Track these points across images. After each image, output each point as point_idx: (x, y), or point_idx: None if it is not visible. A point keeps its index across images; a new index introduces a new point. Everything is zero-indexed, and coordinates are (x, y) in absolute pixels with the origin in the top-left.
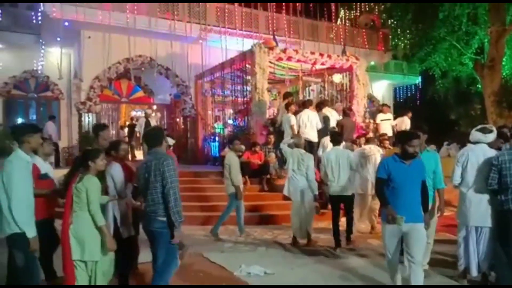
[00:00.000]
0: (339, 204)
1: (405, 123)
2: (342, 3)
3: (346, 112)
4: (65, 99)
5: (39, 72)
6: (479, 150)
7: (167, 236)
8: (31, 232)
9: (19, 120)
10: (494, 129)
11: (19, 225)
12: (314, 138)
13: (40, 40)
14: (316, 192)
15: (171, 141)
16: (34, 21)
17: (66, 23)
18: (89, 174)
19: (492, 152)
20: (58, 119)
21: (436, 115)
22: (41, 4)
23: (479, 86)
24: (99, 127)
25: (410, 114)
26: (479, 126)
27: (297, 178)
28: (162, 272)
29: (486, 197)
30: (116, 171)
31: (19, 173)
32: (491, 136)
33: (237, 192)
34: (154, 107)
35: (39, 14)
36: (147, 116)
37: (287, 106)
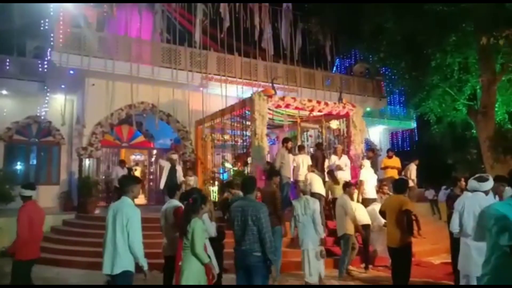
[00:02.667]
0: None
1: (411, 170)
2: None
3: (318, 146)
4: (66, 144)
5: (42, 118)
6: (475, 199)
7: (263, 268)
8: (146, 265)
9: (19, 165)
10: (490, 177)
11: (141, 260)
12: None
13: (45, 87)
14: (323, 236)
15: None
16: (40, 69)
17: (71, 71)
18: (196, 217)
19: (487, 201)
20: (58, 163)
21: (433, 159)
22: (48, 53)
23: (474, 131)
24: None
25: (417, 162)
26: (476, 175)
27: (305, 225)
28: None
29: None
30: (207, 216)
31: (138, 218)
32: (487, 185)
33: None
34: (154, 151)
35: (45, 62)
36: (172, 162)
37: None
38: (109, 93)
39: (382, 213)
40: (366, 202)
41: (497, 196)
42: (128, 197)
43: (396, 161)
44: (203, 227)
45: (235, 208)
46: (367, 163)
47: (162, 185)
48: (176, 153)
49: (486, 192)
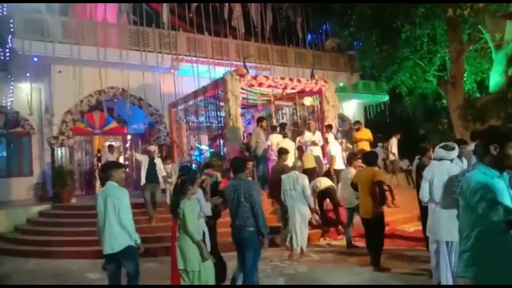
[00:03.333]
0: None
1: (392, 144)
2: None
3: (282, 125)
4: (37, 134)
5: (8, 108)
6: (443, 167)
7: (255, 242)
8: (139, 239)
9: None
10: (456, 146)
11: (133, 236)
12: None
13: (9, 76)
14: (313, 206)
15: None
16: (2, 57)
17: (35, 59)
18: (185, 199)
19: (455, 168)
20: (29, 154)
21: (406, 131)
22: (9, 40)
23: (444, 101)
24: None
25: (398, 136)
26: (442, 144)
27: (294, 198)
28: (252, 271)
29: (454, 212)
30: (201, 195)
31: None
32: (453, 153)
33: None
34: (129, 137)
35: (7, 50)
36: (150, 155)
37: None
38: (77, 80)
39: (354, 185)
40: (337, 174)
41: (464, 160)
42: (113, 181)
43: (365, 133)
44: (191, 207)
45: (229, 187)
46: (331, 136)
47: (142, 182)
48: (152, 144)
49: (452, 160)
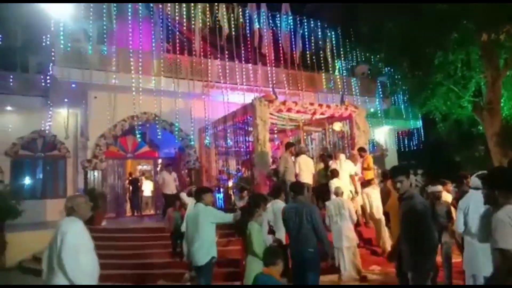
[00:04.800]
0: None
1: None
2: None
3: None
4: (71, 157)
5: (46, 132)
6: (479, 197)
7: (317, 263)
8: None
9: (26, 180)
10: None
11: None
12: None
13: (48, 102)
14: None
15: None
16: (43, 84)
17: (73, 85)
18: (252, 221)
19: None
20: (64, 177)
21: (440, 158)
22: (50, 68)
23: (481, 127)
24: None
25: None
26: (479, 172)
27: (338, 224)
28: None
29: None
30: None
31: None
32: None
33: None
34: (159, 161)
35: (48, 77)
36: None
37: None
38: (111, 105)
39: (386, 214)
40: None
41: None
42: (202, 203)
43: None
44: (258, 229)
45: (289, 209)
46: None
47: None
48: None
49: None
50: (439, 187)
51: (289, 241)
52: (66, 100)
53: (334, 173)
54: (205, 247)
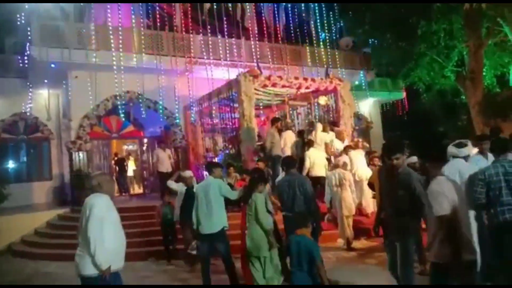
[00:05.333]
0: None
1: None
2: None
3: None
4: (55, 139)
5: (28, 114)
6: (454, 165)
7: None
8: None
9: (10, 163)
10: (469, 143)
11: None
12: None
13: (28, 83)
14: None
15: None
16: (21, 65)
17: (53, 65)
18: (256, 193)
19: (467, 167)
20: (48, 159)
21: (425, 128)
22: (27, 48)
23: (463, 97)
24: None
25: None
26: (455, 141)
27: (339, 194)
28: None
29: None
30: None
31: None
32: (465, 151)
33: None
34: (145, 140)
35: (26, 58)
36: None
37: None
38: (93, 85)
39: (370, 184)
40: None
41: (490, 156)
42: (212, 176)
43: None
44: (262, 200)
45: (283, 182)
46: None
47: (176, 217)
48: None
49: (466, 158)
50: (414, 158)
51: (283, 213)
52: (46, 81)
53: (310, 143)
54: (216, 216)
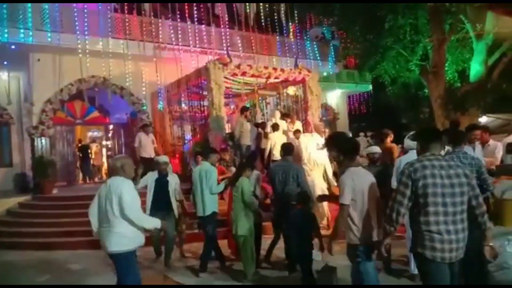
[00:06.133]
0: None
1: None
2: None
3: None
4: (16, 124)
5: None
6: (410, 158)
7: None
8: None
9: None
10: None
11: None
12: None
13: None
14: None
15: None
16: None
17: (13, 46)
18: (243, 177)
19: None
20: (8, 144)
21: (389, 120)
22: None
23: (426, 90)
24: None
25: None
26: (411, 133)
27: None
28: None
29: None
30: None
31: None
32: None
33: None
34: (111, 126)
35: None
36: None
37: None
38: (56, 68)
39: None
40: None
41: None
42: (208, 162)
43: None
44: (248, 184)
45: (278, 167)
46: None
47: (148, 210)
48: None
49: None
50: (375, 148)
51: (273, 197)
52: (5, 62)
53: (275, 127)
54: (208, 201)
